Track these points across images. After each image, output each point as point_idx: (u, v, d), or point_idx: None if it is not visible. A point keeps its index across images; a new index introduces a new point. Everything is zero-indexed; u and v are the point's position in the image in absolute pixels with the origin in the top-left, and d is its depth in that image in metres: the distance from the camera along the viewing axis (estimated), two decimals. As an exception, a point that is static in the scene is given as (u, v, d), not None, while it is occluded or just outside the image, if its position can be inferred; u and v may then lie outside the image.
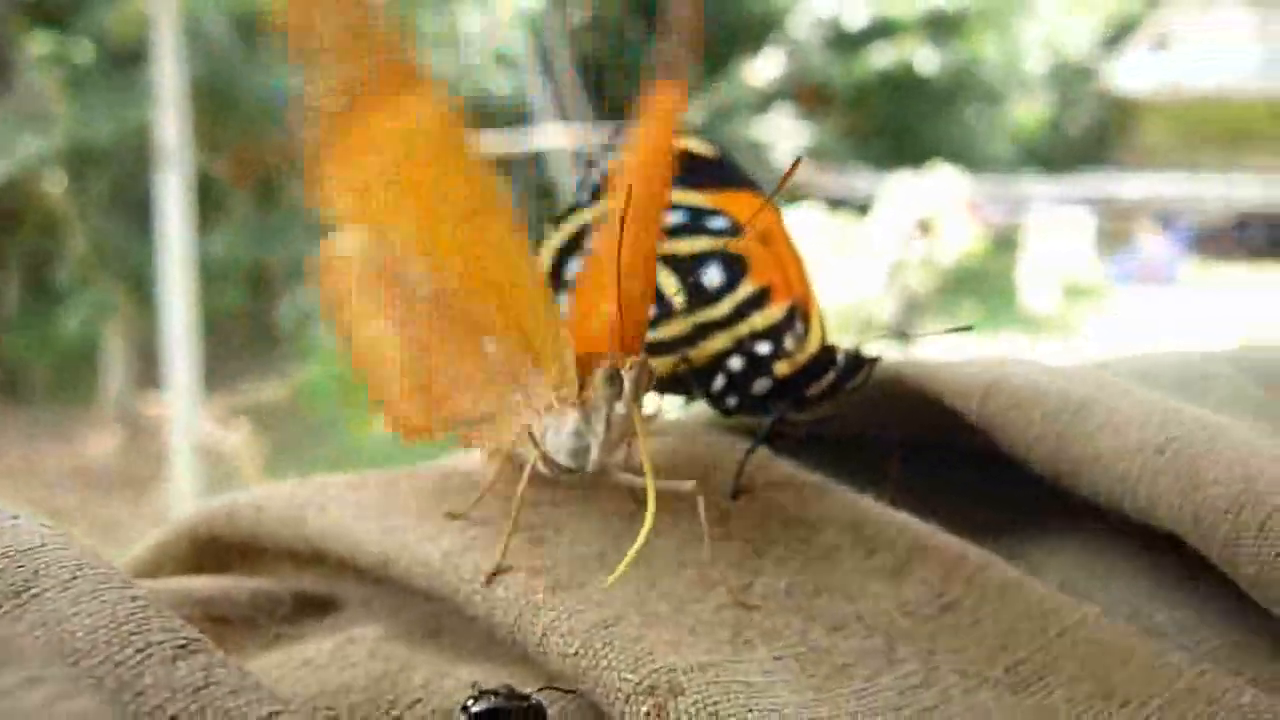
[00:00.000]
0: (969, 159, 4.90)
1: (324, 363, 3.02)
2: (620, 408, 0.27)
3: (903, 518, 0.30)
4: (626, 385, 0.27)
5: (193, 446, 2.47)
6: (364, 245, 0.29)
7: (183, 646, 0.19)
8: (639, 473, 0.27)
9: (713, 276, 0.35)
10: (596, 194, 0.36)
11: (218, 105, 3.27)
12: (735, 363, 0.34)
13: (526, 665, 0.26)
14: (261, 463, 2.94)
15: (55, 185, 3.51)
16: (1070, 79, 6.34)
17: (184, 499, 2.33)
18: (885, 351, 0.35)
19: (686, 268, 0.35)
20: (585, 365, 0.28)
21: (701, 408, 0.36)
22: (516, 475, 0.28)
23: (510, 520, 0.26)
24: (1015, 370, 0.34)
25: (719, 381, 0.35)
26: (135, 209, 3.05)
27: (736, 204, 0.36)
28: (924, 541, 0.30)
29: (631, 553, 0.24)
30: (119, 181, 3.40)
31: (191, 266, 2.42)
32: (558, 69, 4.24)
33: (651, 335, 0.35)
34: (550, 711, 0.23)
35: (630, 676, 0.22)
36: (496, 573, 0.25)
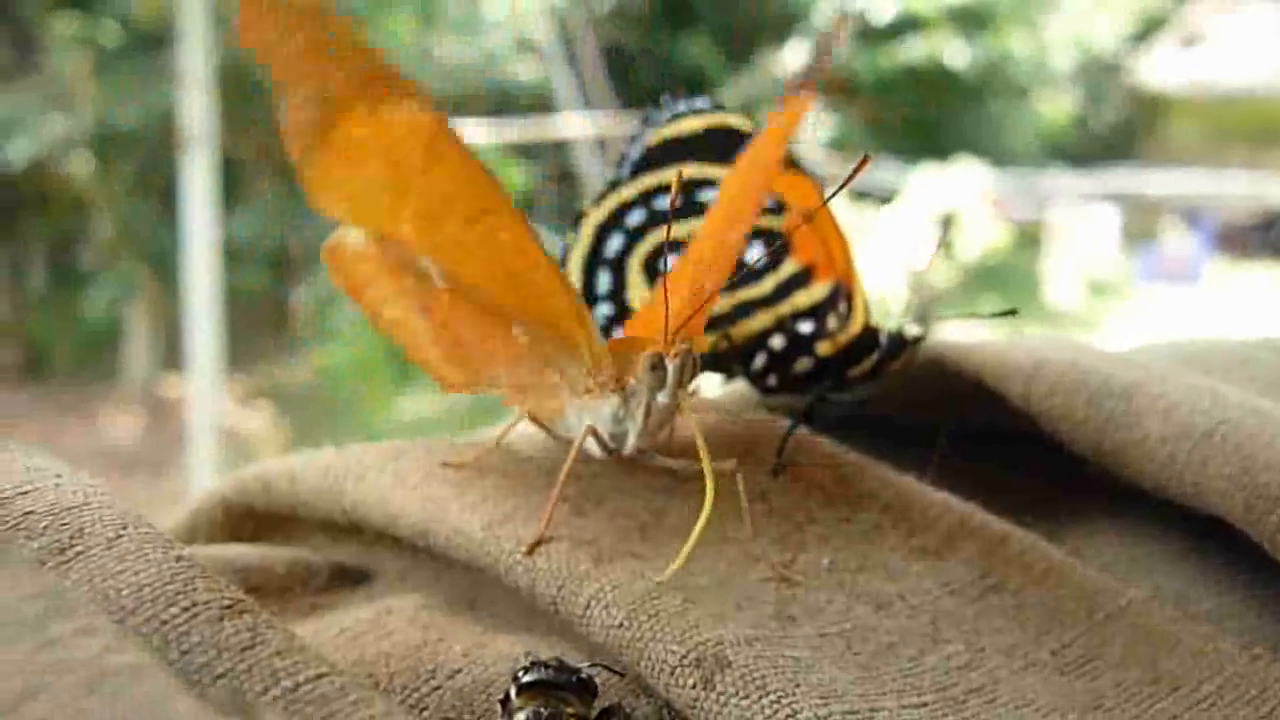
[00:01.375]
0: (994, 154, 4.87)
1: (345, 344, 3.02)
2: (663, 396, 0.27)
3: (944, 497, 0.30)
4: (670, 374, 0.27)
5: (214, 427, 2.47)
6: (372, 244, 0.29)
7: (229, 607, 0.19)
8: (676, 455, 0.26)
9: (755, 254, 0.35)
10: (636, 171, 0.36)
11: (243, 88, 3.28)
12: (777, 341, 0.34)
13: (566, 636, 0.25)
14: (283, 444, 2.94)
15: (81, 167, 3.52)
16: (1098, 75, 6.29)
17: (204, 480, 2.34)
18: (928, 333, 0.34)
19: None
20: (634, 349, 0.27)
21: (742, 386, 0.36)
22: (558, 445, 0.27)
23: (554, 491, 0.26)
24: (1059, 353, 0.33)
25: (760, 360, 0.34)
26: (160, 191, 3.06)
27: (780, 182, 0.35)
28: (966, 522, 0.29)
29: (688, 547, 0.24)
30: (144, 164, 3.41)
31: (215, 248, 2.43)
32: (581, 57, 4.23)
33: None
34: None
35: (676, 649, 0.22)
36: (539, 543, 0.25)
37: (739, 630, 0.23)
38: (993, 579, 0.27)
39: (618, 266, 0.35)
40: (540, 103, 4.04)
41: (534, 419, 0.29)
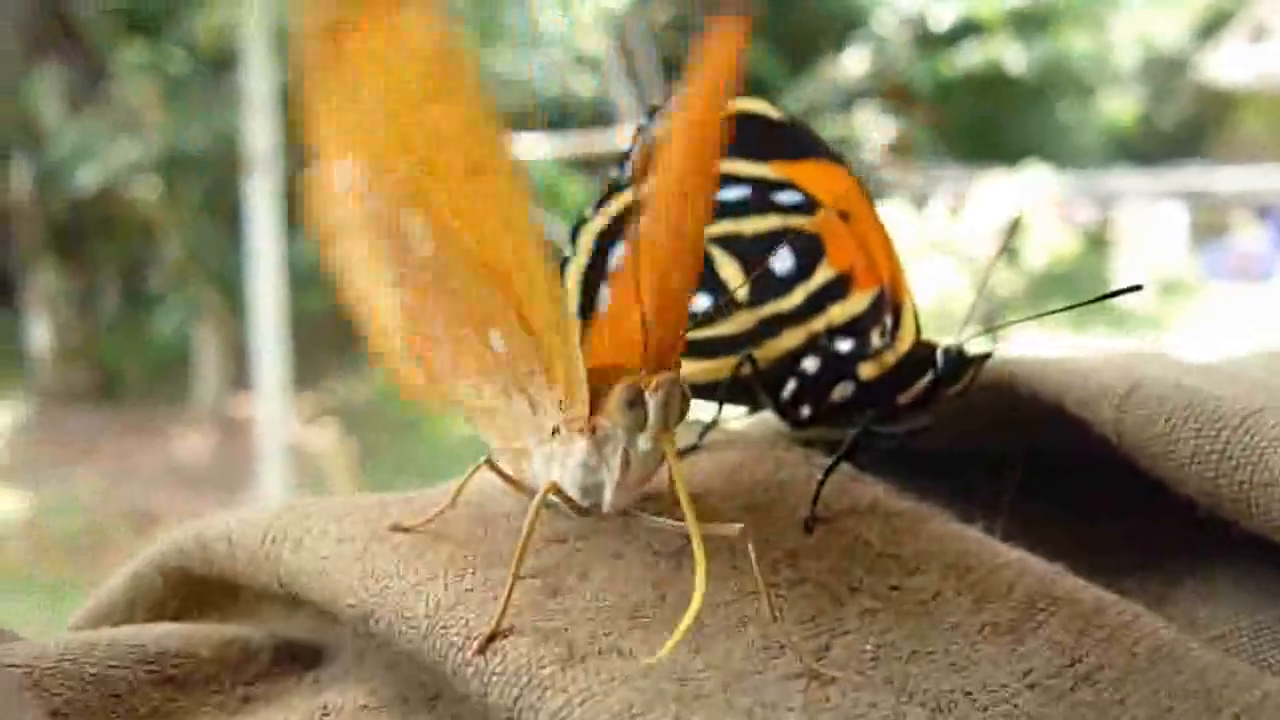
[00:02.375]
0: (1059, 156, 4.77)
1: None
2: (643, 441, 0.22)
3: (1019, 556, 0.24)
4: (651, 412, 0.21)
5: (282, 446, 2.48)
6: (360, 183, 0.24)
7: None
8: (675, 514, 0.21)
9: (783, 261, 0.29)
10: (645, 170, 0.31)
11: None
12: (810, 364, 0.29)
13: None
14: (350, 461, 2.94)
15: (150, 192, 3.56)
16: (1163, 72, 6.16)
17: (274, 498, 2.34)
18: (994, 348, 0.28)
19: (751, 251, 0.29)
20: (606, 380, 0.22)
21: (769, 418, 0.30)
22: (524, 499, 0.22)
23: (511, 568, 0.20)
24: (1155, 371, 0.27)
25: (790, 387, 0.29)
26: (227, 214, 3.08)
27: (810, 175, 0.30)
28: (1048, 588, 0.23)
29: (679, 633, 0.18)
30: (211, 187, 3.44)
31: (280, 269, 2.44)
32: (640, 68, 4.20)
33: (709, 332, 0.29)
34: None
35: None
36: (494, 636, 0.20)
37: (747, 758, 0.17)
38: (1085, 665, 0.22)
39: None
40: (599, 116, 4.01)
41: (492, 466, 0.24)
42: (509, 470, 0.24)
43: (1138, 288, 0.28)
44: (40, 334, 3.54)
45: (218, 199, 3.37)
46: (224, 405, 3.44)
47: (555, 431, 0.23)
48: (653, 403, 0.21)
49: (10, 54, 3.47)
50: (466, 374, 0.24)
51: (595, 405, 0.22)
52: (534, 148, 3.39)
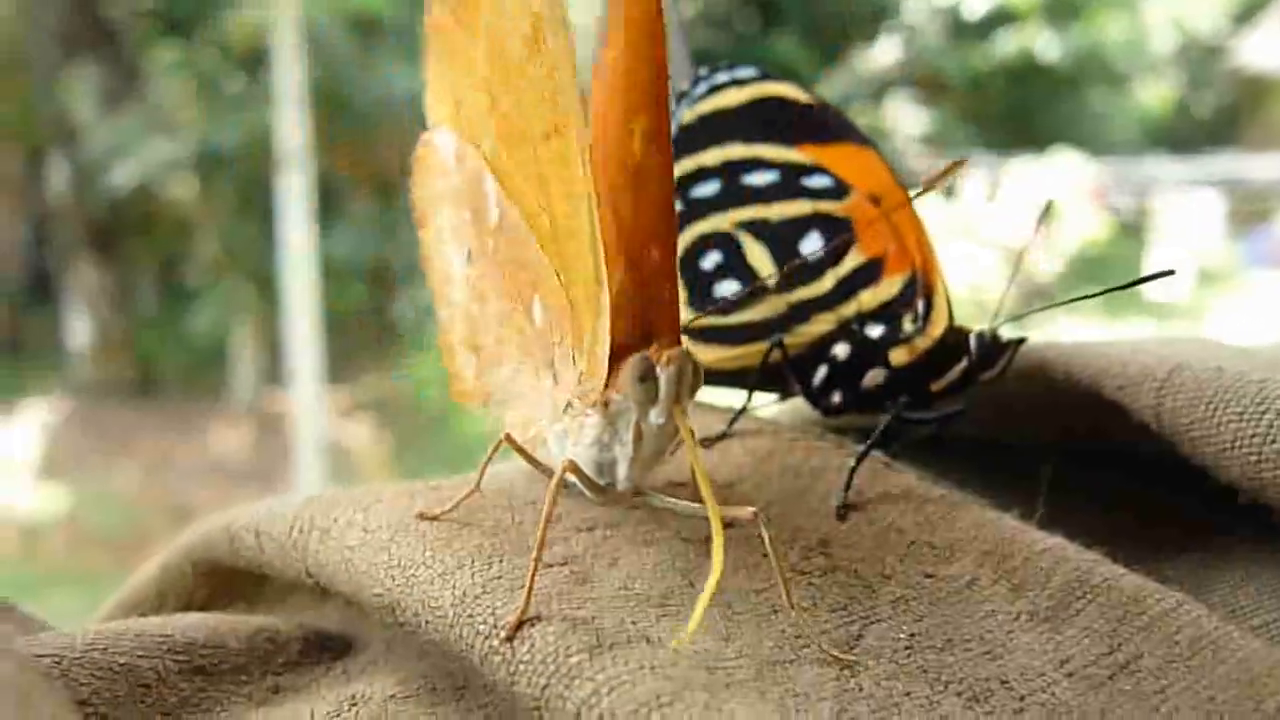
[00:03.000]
0: (1094, 143, 4.72)
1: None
2: (655, 416, 0.21)
3: (1058, 543, 0.24)
4: (663, 386, 0.21)
5: (318, 440, 2.49)
6: (454, 154, 0.26)
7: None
8: (695, 497, 0.20)
9: (813, 246, 0.29)
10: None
11: (337, 108, 3.30)
12: (841, 350, 0.28)
13: None
14: (384, 455, 2.96)
15: (185, 189, 3.58)
16: (1199, 59, 6.08)
17: (311, 491, 2.35)
18: (1028, 334, 0.28)
19: (781, 237, 0.29)
20: (621, 358, 0.22)
21: (800, 405, 0.30)
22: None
23: (534, 553, 0.20)
24: (1196, 355, 0.26)
25: (821, 373, 0.28)
26: (262, 210, 3.09)
27: (840, 159, 0.29)
28: (1086, 575, 0.23)
29: (698, 612, 0.18)
30: (245, 184, 3.46)
31: (314, 265, 2.45)
32: (671, 61, 4.19)
33: (738, 318, 0.29)
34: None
35: None
36: (521, 624, 0.19)
37: (778, 748, 0.17)
38: (1124, 654, 0.21)
39: None
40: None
41: (511, 441, 0.23)
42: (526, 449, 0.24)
43: (1170, 273, 0.27)
44: (78, 330, 3.57)
45: (252, 196, 3.39)
46: (260, 400, 3.46)
47: (569, 407, 0.22)
48: (664, 376, 0.21)
49: (46, 54, 3.50)
50: (509, 356, 0.25)
51: (609, 382, 0.22)
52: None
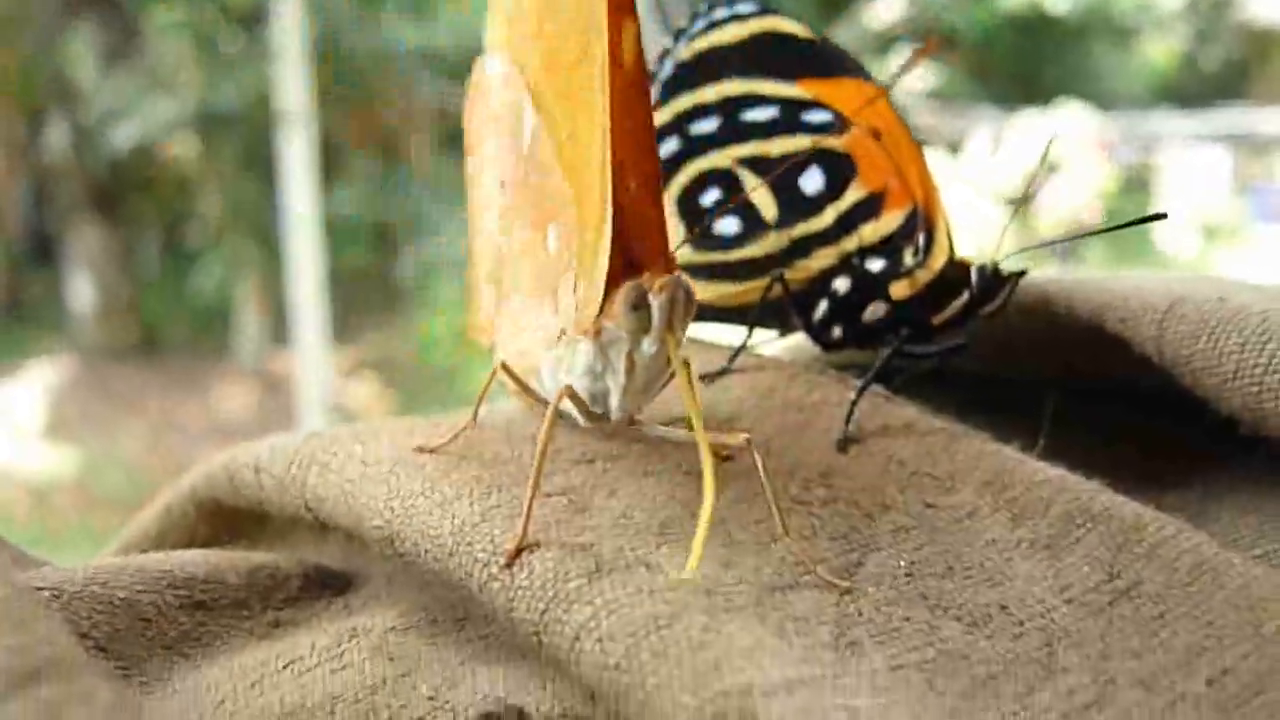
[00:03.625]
0: (1101, 98, 4.68)
1: (444, 314, 3.03)
2: (648, 344, 0.21)
3: (1058, 474, 0.24)
4: (655, 314, 0.21)
5: (322, 400, 2.50)
6: (505, 77, 0.26)
7: (30, 675, 0.14)
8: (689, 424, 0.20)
9: (813, 181, 0.29)
10: (669, 91, 0.30)
11: (339, 66, 3.28)
12: (841, 284, 0.28)
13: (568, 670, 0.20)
14: (388, 414, 2.97)
15: (186, 148, 3.57)
16: (1206, 12, 6.02)
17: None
18: (1030, 266, 0.28)
19: (781, 172, 0.29)
20: (616, 287, 0.21)
21: (801, 340, 0.30)
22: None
23: (531, 479, 0.20)
24: (1198, 288, 0.26)
25: (822, 308, 0.28)
26: (264, 170, 3.08)
27: (840, 94, 0.29)
28: (1087, 504, 0.23)
29: (698, 541, 0.18)
30: (247, 143, 3.44)
31: (317, 225, 2.44)
32: (672, 16, 4.15)
33: (740, 253, 0.29)
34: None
35: (689, 700, 0.16)
36: (520, 551, 0.19)
37: (779, 670, 0.17)
38: (1124, 581, 0.21)
39: None
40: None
41: (507, 370, 0.24)
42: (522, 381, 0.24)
43: (1163, 215, 0.27)
44: (82, 292, 3.57)
45: (254, 155, 3.37)
46: (263, 360, 3.46)
47: (562, 335, 0.22)
48: (656, 304, 0.21)
49: (46, 14, 3.48)
50: (523, 287, 0.25)
51: (603, 310, 0.22)
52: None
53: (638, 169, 0.21)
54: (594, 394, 0.22)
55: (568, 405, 0.22)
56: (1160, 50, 5.85)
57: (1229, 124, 5.00)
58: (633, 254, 0.21)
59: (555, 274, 0.24)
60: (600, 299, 0.22)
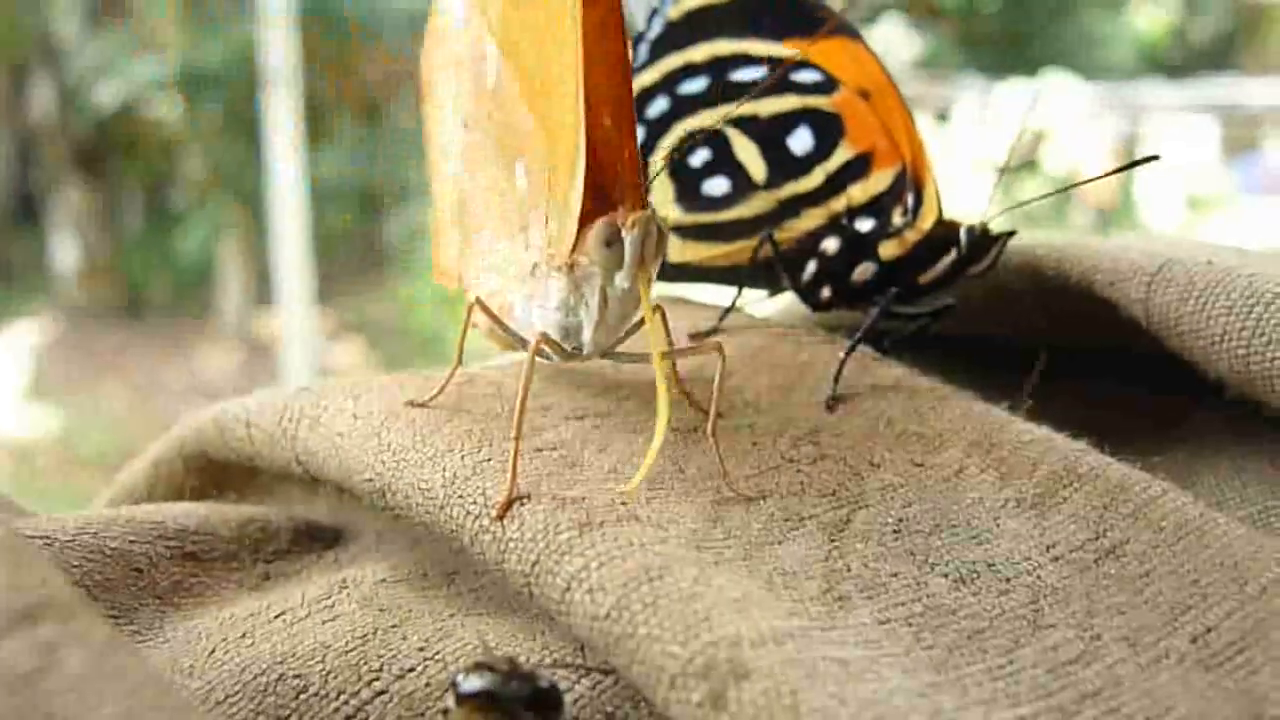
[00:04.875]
0: (1089, 68, 4.66)
1: (428, 277, 3.02)
2: (621, 279, 0.21)
3: (1045, 434, 0.24)
4: (627, 249, 0.21)
5: (306, 361, 2.49)
6: (465, 15, 0.26)
7: (26, 614, 0.14)
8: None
9: (802, 141, 0.29)
10: (656, 51, 0.30)
11: (324, 27, 3.25)
12: (831, 245, 0.28)
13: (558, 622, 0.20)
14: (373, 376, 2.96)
15: (170, 109, 3.54)
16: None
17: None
18: (1018, 228, 0.28)
19: (769, 132, 0.29)
20: (588, 224, 0.22)
21: (790, 301, 0.30)
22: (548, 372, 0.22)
23: (515, 422, 0.20)
24: (1186, 251, 0.26)
25: (811, 268, 0.28)
26: (248, 131, 3.06)
27: (829, 54, 0.29)
28: (1074, 464, 0.23)
29: (648, 460, 0.18)
30: (231, 104, 3.41)
31: (302, 186, 2.43)
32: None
33: (728, 214, 0.29)
34: (572, 694, 0.17)
35: (678, 650, 0.16)
36: (510, 503, 0.19)
37: (768, 621, 0.17)
38: (1109, 539, 0.21)
39: None
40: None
41: (482, 305, 0.24)
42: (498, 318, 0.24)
43: (1155, 158, 0.27)
44: (65, 252, 3.55)
45: (238, 116, 3.34)
46: (248, 321, 3.45)
47: (535, 269, 0.23)
48: (629, 239, 0.21)
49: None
50: (490, 224, 0.25)
51: (576, 246, 0.22)
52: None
53: (611, 102, 0.21)
54: (567, 329, 0.23)
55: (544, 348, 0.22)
56: (1150, 20, 5.84)
57: (1218, 95, 5.00)
58: (605, 189, 0.22)
59: (524, 211, 0.24)
60: (574, 234, 0.22)
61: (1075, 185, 0.30)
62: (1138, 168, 0.27)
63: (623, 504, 0.20)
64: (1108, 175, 0.27)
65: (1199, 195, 4.44)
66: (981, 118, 3.79)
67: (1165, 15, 5.90)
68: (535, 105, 0.23)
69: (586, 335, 0.22)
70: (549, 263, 0.22)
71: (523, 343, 0.23)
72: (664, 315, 0.23)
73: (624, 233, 0.21)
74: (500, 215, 0.24)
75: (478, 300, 0.24)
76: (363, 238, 3.69)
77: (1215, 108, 4.87)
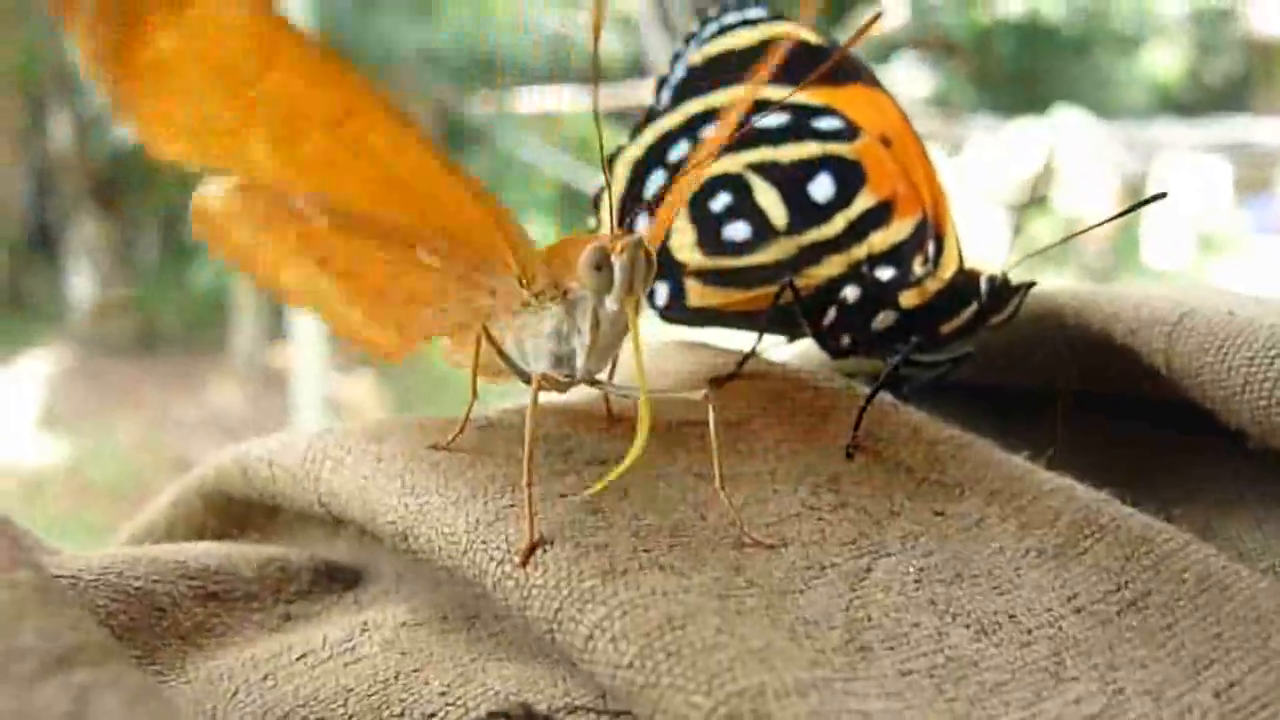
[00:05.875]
0: (1101, 107, 4.68)
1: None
2: (610, 303, 0.22)
3: (1066, 484, 0.24)
4: (617, 273, 0.22)
5: (318, 396, 2.49)
6: (231, 185, 0.24)
7: (61, 659, 0.14)
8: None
9: (823, 188, 0.29)
10: (679, 96, 0.30)
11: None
12: (851, 292, 0.28)
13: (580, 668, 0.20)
14: (385, 411, 2.96)
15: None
16: (1209, 24, 6.03)
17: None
18: (1039, 277, 0.28)
19: (791, 178, 0.29)
20: (573, 249, 0.22)
21: (809, 346, 0.30)
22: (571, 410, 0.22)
23: (525, 465, 0.20)
24: (1206, 300, 0.26)
25: (831, 315, 0.29)
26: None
27: (850, 101, 0.29)
28: (1094, 515, 0.23)
29: (617, 472, 0.20)
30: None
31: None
32: (675, 22, 4.15)
33: (749, 259, 0.29)
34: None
35: (702, 700, 0.16)
36: (533, 548, 0.20)
37: (791, 672, 0.17)
38: (1131, 591, 0.21)
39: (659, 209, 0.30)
40: (632, 69, 3.97)
41: (488, 335, 0.24)
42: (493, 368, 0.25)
43: (1163, 195, 0.28)
44: (81, 284, 3.57)
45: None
46: (261, 355, 3.46)
47: (524, 304, 0.23)
48: (618, 263, 0.22)
49: (48, 3, 3.48)
50: (423, 299, 0.24)
51: (561, 274, 0.23)
52: (570, 100, 3.38)
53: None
54: (560, 356, 0.23)
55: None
56: (1163, 61, 5.86)
57: (1231, 135, 5.00)
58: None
59: (460, 274, 0.24)
60: (549, 271, 0.23)
61: (1093, 227, 0.30)
62: (1146, 206, 0.27)
63: (645, 551, 0.20)
64: (1119, 216, 0.28)
65: (1210, 235, 4.44)
66: (993, 154, 3.80)
67: (1178, 55, 5.93)
68: (406, 205, 0.23)
69: (579, 361, 0.23)
70: (540, 296, 0.23)
71: (520, 373, 0.24)
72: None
73: (613, 257, 0.22)
74: (435, 291, 0.24)
75: (484, 330, 0.24)
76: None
77: (1227, 148, 4.87)
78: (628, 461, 0.20)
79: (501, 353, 0.24)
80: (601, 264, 0.22)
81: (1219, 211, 4.66)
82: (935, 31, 4.78)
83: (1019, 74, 5.35)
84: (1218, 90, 6.11)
